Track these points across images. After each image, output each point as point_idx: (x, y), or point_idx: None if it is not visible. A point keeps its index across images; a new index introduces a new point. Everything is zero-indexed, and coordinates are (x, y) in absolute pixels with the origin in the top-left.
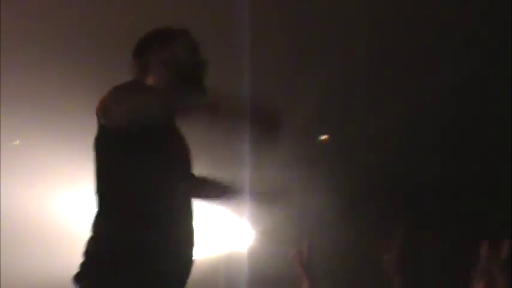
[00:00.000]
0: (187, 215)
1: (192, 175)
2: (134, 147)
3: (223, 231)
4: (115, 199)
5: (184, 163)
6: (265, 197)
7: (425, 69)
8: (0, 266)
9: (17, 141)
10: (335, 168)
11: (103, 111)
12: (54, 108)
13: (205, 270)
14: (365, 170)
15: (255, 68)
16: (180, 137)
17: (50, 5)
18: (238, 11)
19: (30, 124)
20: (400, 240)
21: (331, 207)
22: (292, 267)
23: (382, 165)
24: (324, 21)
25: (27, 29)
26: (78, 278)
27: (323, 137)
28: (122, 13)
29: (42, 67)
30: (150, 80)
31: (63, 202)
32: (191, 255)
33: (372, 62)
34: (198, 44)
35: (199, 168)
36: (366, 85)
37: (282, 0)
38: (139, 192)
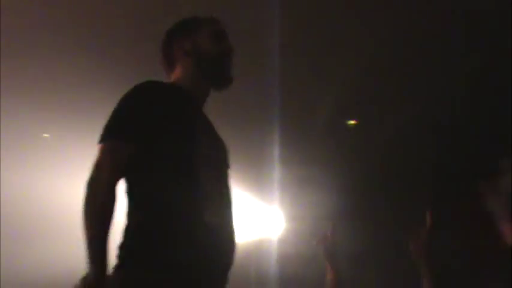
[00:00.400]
0: (226, 204)
1: None
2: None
3: (253, 218)
4: (151, 190)
5: (219, 153)
6: None
7: (454, 64)
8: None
9: (47, 135)
10: (362, 156)
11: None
12: (84, 102)
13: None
14: (390, 160)
15: (284, 60)
16: (212, 129)
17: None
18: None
19: (60, 118)
20: (429, 227)
21: (358, 195)
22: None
23: (408, 154)
24: (350, 14)
25: (57, 20)
26: (114, 269)
27: (351, 122)
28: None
29: (73, 61)
30: (176, 73)
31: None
32: (232, 246)
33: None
34: (222, 31)
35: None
36: (393, 77)
37: None
38: (175, 180)
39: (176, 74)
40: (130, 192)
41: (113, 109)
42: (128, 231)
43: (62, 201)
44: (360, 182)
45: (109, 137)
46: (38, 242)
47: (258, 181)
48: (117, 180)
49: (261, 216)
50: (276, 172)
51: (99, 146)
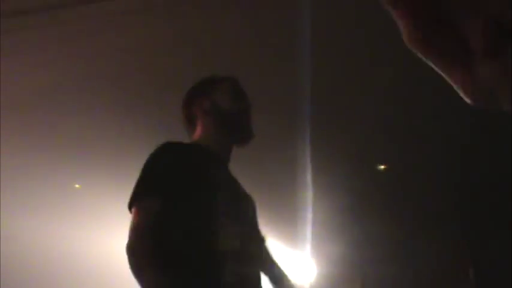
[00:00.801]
0: (251, 260)
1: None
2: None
3: (285, 265)
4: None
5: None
6: None
7: None
8: None
9: (78, 185)
10: (392, 199)
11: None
12: (114, 153)
13: None
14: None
15: (316, 93)
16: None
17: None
18: (299, 40)
19: (91, 169)
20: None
21: (390, 239)
22: None
23: (438, 194)
24: (378, 50)
25: (84, 73)
26: None
27: (381, 167)
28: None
29: (102, 114)
30: (198, 131)
31: (122, 245)
32: None
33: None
34: (240, 90)
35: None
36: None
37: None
38: (193, 239)
39: (197, 133)
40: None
41: (145, 166)
42: None
43: (92, 250)
44: (391, 228)
45: (141, 197)
46: None
47: (289, 229)
48: (154, 239)
49: (293, 264)
50: (308, 219)
51: (134, 207)
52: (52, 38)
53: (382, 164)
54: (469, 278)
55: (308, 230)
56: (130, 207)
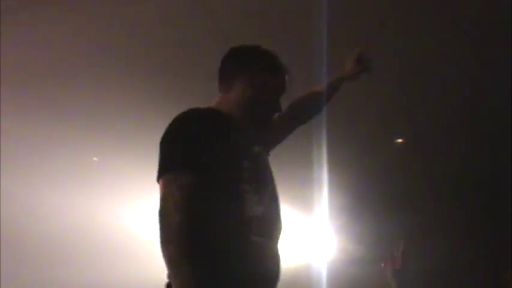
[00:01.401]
0: (277, 224)
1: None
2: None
3: (304, 241)
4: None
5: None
6: None
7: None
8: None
9: (96, 158)
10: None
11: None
12: (131, 127)
13: (286, 281)
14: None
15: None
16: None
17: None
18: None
19: (108, 142)
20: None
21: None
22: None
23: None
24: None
25: (100, 46)
26: None
27: (399, 140)
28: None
29: (121, 88)
30: (229, 97)
31: (138, 217)
32: (279, 262)
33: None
34: (285, 89)
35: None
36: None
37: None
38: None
39: (229, 98)
40: None
41: (172, 135)
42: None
43: (109, 222)
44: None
45: (182, 167)
46: (86, 262)
47: (309, 203)
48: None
49: (313, 238)
50: (327, 193)
51: (171, 177)
52: (63, 12)
53: (400, 139)
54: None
55: (327, 206)
56: (162, 177)
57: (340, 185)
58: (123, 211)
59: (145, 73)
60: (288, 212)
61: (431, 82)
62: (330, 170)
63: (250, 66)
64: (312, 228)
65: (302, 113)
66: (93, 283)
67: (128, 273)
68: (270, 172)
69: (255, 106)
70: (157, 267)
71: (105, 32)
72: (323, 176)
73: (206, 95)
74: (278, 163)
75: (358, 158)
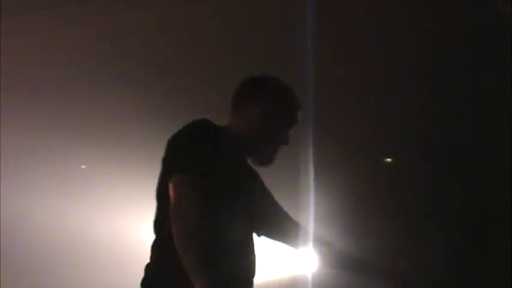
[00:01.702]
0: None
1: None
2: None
3: (286, 253)
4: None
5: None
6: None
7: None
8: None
9: (84, 166)
10: (400, 192)
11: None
12: (119, 134)
13: None
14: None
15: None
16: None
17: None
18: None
19: (96, 150)
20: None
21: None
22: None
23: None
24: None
25: (90, 54)
26: None
27: (388, 160)
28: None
29: (110, 94)
30: (238, 120)
31: (127, 225)
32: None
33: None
34: (296, 125)
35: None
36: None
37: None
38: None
39: (240, 123)
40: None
41: (188, 137)
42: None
43: (96, 231)
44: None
45: (194, 169)
46: (72, 271)
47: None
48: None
49: (295, 253)
50: (312, 206)
51: (186, 177)
52: (59, 19)
53: (387, 157)
54: None
55: (311, 223)
56: (174, 176)
57: (327, 192)
58: (112, 218)
59: (136, 80)
60: None
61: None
62: (316, 177)
63: (267, 96)
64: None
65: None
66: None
67: (119, 279)
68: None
69: (265, 135)
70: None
71: (92, 39)
72: (309, 183)
73: (201, 105)
74: (264, 170)
75: (345, 176)
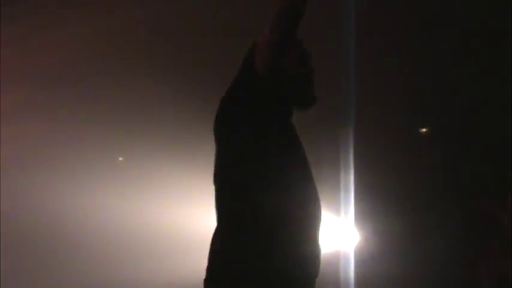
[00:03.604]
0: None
1: None
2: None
3: (329, 230)
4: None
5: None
6: None
7: None
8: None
9: (121, 158)
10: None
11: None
12: (156, 127)
13: None
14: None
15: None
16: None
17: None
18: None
19: (133, 142)
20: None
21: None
22: None
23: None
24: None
25: (121, 47)
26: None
27: (423, 130)
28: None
29: (146, 89)
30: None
31: (164, 217)
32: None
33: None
34: (308, 53)
35: None
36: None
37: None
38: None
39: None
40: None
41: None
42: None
43: (134, 222)
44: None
45: None
46: (113, 261)
47: (331, 194)
48: None
49: (337, 228)
50: (351, 184)
51: None
52: (88, 13)
53: (424, 129)
54: None
55: (351, 198)
56: None
57: (367, 186)
58: (150, 213)
59: (175, 71)
60: None
61: None
62: (355, 161)
63: None
64: (336, 217)
65: None
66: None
67: (157, 271)
68: None
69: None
70: (188, 265)
71: (118, 32)
72: (349, 166)
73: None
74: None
75: (385, 149)
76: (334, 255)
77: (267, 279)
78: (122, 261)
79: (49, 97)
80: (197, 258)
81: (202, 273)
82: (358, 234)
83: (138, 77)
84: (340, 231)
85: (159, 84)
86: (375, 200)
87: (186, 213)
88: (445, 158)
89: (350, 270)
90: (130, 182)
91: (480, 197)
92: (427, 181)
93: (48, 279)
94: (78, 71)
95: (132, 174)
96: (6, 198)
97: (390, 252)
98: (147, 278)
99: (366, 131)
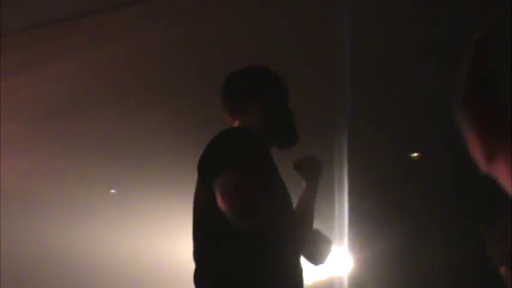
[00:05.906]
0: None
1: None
2: None
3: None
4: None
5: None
6: None
7: None
8: None
9: (113, 190)
10: (427, 187)
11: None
12: (149, 158)
13: None
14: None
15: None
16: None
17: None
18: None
19: (126, 174)
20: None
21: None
22: None
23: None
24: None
25: (113, 79)
26: None
27: (414, 155)
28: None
29: (138, 116)
30: (252, 119)
31: (157, 249)
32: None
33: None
34: (287, 91)
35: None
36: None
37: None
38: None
39: (249, 121)
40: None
41: (214, 145)
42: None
43: (127, 253)
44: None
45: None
46: None
47: (326, 221)
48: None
49: (330, 256)
50: (345, 209)
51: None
52: (79, 46)
53: (416, 153)
54: None
55: (346, 224)
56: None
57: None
58: (142, 244)
59: (165, 102)
60: None
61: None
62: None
63: (259, 86)
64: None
65: None
66: None
67: None
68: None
69: (278, 120)
70: None
71: (113, 64)
72: (343, 193)
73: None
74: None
75: (379, 176)
76: (328, 283)
77: None
78: None
79: (41, 130)
80: None
81: None
82: (351, 261)
83: (131, 109)
84: (334, 257)
85: (152, 117)
86: (368, 226)
87: (179, 246)
88: (440, 182)
89: None
90: (122, 214)
91: (478, 224)
92: (421, 209)
93: None
94: (70, 104)
95: (125, 206)
96: None
97: (384, 278)
98: None
99: (360, 162)
